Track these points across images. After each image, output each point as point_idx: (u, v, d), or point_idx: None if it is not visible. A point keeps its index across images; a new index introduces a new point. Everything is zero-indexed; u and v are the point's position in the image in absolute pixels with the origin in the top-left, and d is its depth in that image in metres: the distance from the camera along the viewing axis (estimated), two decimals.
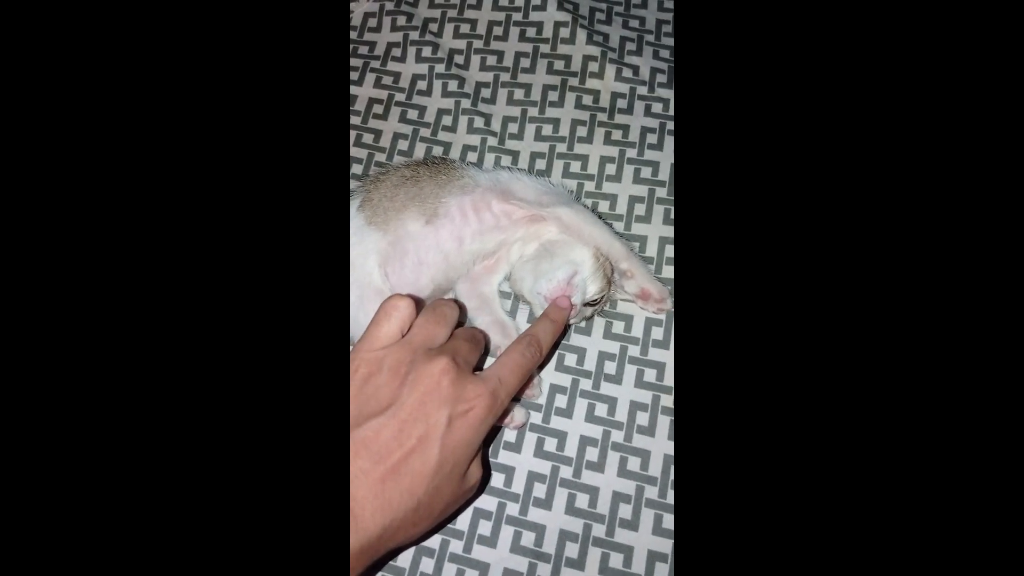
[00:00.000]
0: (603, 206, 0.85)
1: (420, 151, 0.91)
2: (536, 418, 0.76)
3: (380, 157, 0.92)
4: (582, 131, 0.90)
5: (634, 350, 0.78)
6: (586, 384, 0.77)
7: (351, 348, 0.55)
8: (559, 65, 0.95)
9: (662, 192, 0.85)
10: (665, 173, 0.86)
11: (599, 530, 0.70)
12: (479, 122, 0.91)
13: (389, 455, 0.48)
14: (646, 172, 0.87)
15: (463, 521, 0.72)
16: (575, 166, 0.88)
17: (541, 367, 0.78)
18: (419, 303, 0.57)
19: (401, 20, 1.01)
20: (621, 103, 0.91)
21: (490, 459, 0.74)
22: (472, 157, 0.90)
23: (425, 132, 0.92)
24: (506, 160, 0.89)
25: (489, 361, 0.78)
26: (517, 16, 0.98)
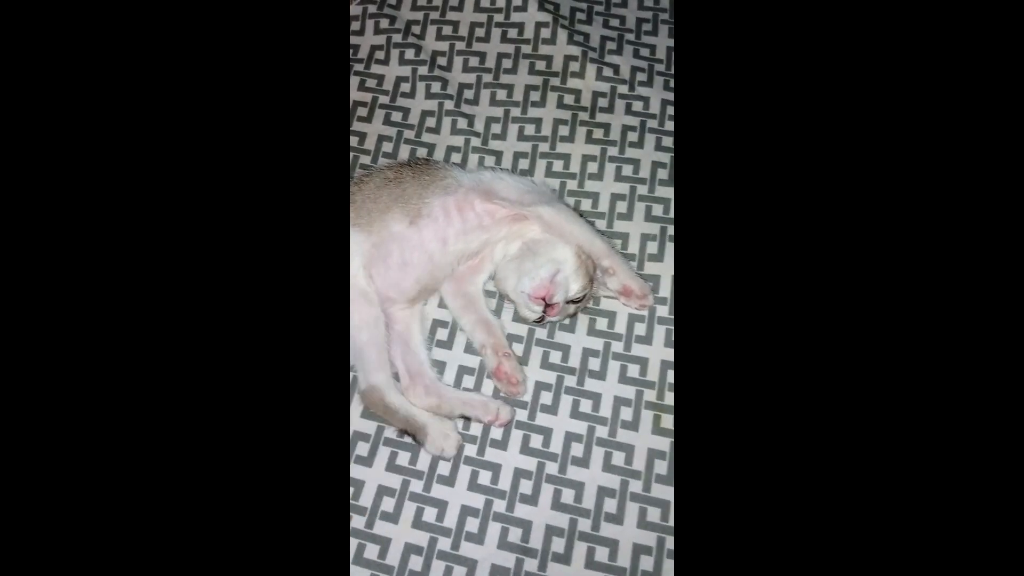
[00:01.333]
0: (585, 204, 0.86)
1: (404, 153, 0.92)
2: (522, 415, 0.76)
3: (365, 159, 0.92)
4: (564, 130, 0.91)
5: (617, 346, 0.79)
6: (570, 381, 0.78)
7: None
8: (541, 65, 0.96)
9: (643, 189, 0.86)
10: (646, 171, 0.87)
11: (585, 525, 0.71)
12: (462, 123, 0.92)
13: None
14: (627, 170, 0.88)
15: (451, 518, 0.72)
16: (557, 165, 0.89)
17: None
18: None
19: (384, 23, 1.01)
20: (602, 102, 0.92)
21: (477, 456, 0.74)
22: (456, 158, 0.90)
23: (409, 134, 0.93)
24: (489, 160, 0.90)
25: (475, 359, 0.79)
26: (499, 17, 0.99)
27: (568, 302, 0.75)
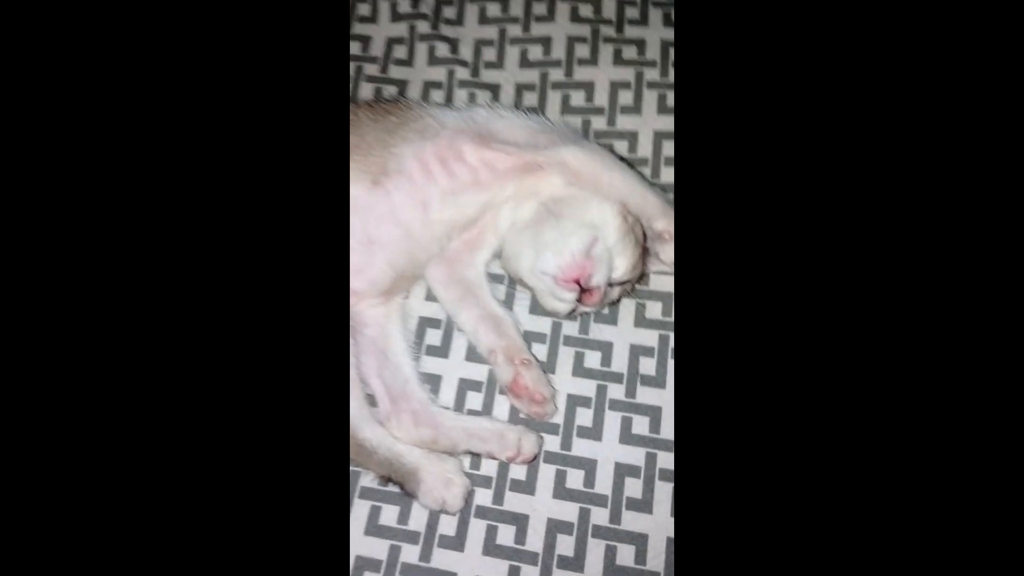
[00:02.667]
0: (620, 146, 0.73)
1: (367, 92, 0.79)
2: (552, 444, 0.63)
3: None
4: (583, 51, 0.77)
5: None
6: (616, 391, 0.65)
7: None
8: None
9: None
10: None
11: None
12: (443, 49, 0.79)
13: None
14: (673, 98, 0.74)
15: None
16: (577, 97, 0.75)
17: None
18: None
19: None
20: (631, 12, 0.80)
21: (493, 507, 0.61)
22: (438, 96, 0.77)
23: (372, 68, 0.81)
24: (483, 96, 0.77)
25: (483, 369, 0.66)
26: None
27: (611, 285, 0.62)
